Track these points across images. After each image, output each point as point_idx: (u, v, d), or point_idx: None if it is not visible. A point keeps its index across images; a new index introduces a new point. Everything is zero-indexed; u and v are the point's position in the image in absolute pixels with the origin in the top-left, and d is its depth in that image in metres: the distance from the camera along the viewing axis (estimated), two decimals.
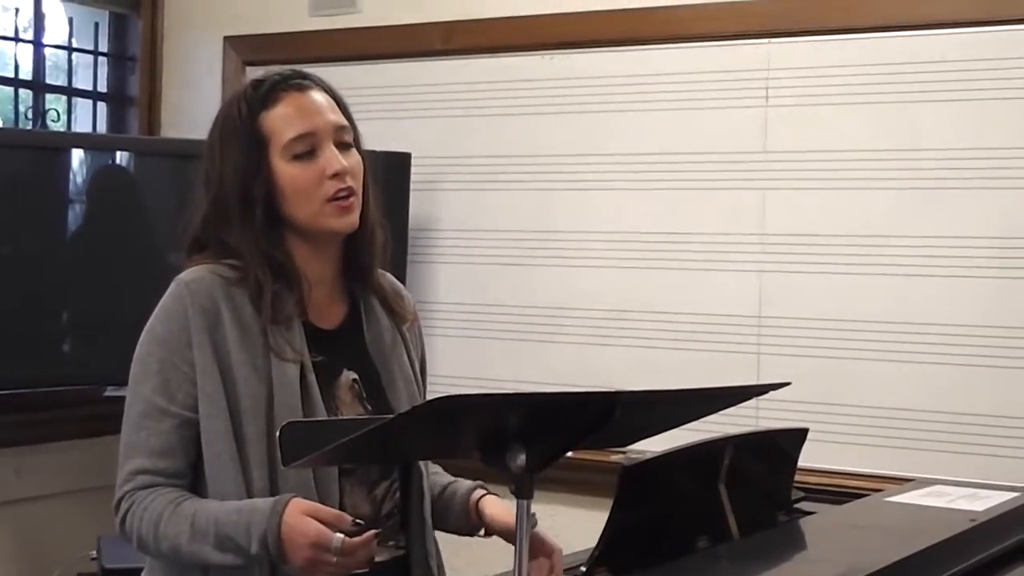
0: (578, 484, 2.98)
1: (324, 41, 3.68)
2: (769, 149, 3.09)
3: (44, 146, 3.33)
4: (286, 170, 1.77)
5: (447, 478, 1.97)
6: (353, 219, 1.80)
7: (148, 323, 1.78)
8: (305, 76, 1.83)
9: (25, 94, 3.75)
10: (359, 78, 3.62)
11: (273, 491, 1.72)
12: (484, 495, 1.91)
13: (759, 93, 3.10)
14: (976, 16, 2.87)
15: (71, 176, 3.37)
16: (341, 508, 1.72)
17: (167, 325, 1.75)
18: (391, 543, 1.82)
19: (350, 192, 1.78)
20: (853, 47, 2.99)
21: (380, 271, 1.93)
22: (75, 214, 3.34)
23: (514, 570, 1.36)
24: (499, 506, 1.89)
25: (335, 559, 1.64)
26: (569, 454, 1.40)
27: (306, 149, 1.77)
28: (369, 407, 1.84)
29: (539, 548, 1.76)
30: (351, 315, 1.89)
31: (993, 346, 2.83)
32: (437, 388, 3.36)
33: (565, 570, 1.69)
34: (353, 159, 1.81)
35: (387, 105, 3.58)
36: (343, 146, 1.80)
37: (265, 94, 1.79)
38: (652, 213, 3.22)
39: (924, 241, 2.90)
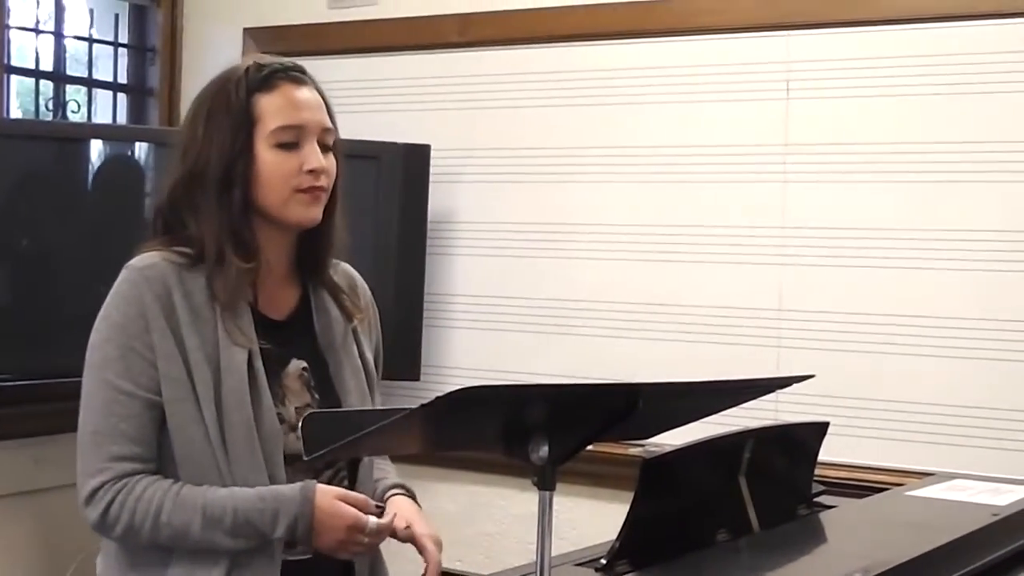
0: (598, 477, 2.98)
1: (342, 33, 3.68)
2: (790, 142, 3.07)
3: (64, 137, 3.34)
4: (267, 156, 1.80)
5: (379, 473, 2.01)
6: (317, 213, 1.84)
7: (102, 310, 1.82)
8: (303, 71, 1.87)
9: (45, 85, 3.76)
10: (377, 70, 3.63)
11: (231, 473, 1.76)
12: (394, 495, 1.96)
13: (780, 85, 3.08)
14: (996, 8, 2.85)
15: (91, 167, 3.38)
16: None
17: (124, 311, 1.78)
18: None
19: (321, 190, 1.83)
20: (875, 39, 2.98)
21: (337, 263, 1.97)
22: (95, 205, 3.35)
23: (536, 564, 1.36)
24: (400, 503, 1.93)
25: (366, 540, 1.77)
26: (589, 447, 1.40)
27: (290, 140, 1.81)
28: (317, 396, 1.89)
29: (421, 552, 1.85)
30: (301, 306, 1.93)
31: (1015, 340, 2.82)
32: (454, 380, 3.40)
33: (586, 562, 1.69)
34: (331, 162, 1.85)
35: (405, 97, 3.58)
36: (324, 147, 1.84)
37: (264, 78, 1.82)
38: (671, 206, 3.21)
39: (946, 234, 2.89)
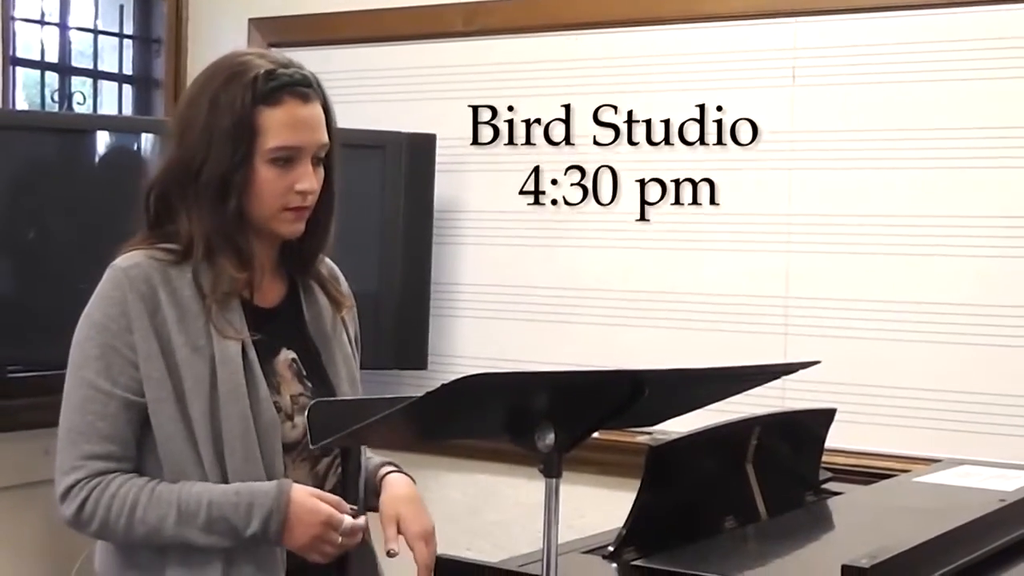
0: (604, 465, 2.98)
1: (347, 23, 3.67)
2: (796, 128, 3.07)
3: (70, 128, 3.34)
4: (261, 170, 1.81)
5: (367, 453, 2.02)
6: (300, 228, 1.87)
7: (86, 309, 1.83)
8: (310, 84, 1.85)
9: (51, 77, 3.76)
10: (382, 59, 3.62)
11: (221, 468, 1.77)
12: (390, 472, 1.96)
13: (786, 72, 3.08)
14: None
15: (97, 158, 3.38)
16: None
17: (106, 311, 1.80)
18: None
19: (307, 209, 1.85)
20: (881, 26, 2.97)
21: (320, 257, 1.99)
22: (101, 196, 3.35)
23: (543, 552, 1.36)
24: (394, 487, 1.92)
25: (340, 539, 1.76)
26: (595, 435, 1.40)
27: (286, 157, 1.81)
28: (310, 384, 1.90)
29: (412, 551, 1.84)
30: (290, 295, 1.95)
31: (1023, 326, 2.81)
32: (461, 368, 3.40)
33: (593, 550, 1.69)
34: (319, 176, 1.86)
35: (411, 86, 3.57)
36: (316, 161, 1.85)
37: (271, 91, 1.80)
38: (676, 192, 3.21)
39: (954, 221, 2.88)
